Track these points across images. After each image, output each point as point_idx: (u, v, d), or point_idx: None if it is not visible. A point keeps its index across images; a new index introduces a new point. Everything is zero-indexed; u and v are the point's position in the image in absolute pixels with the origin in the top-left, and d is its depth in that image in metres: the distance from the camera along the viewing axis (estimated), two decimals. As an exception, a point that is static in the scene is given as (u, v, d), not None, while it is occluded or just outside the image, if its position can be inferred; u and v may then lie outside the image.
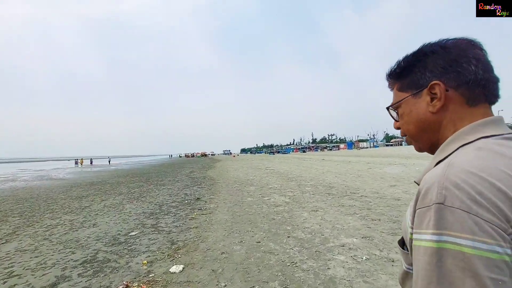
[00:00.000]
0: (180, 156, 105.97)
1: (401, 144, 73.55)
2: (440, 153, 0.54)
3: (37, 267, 3.51)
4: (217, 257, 3.48)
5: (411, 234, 0.48)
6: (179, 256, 3.58)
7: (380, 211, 5.14)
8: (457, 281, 0.39)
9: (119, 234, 4.73)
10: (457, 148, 0.51)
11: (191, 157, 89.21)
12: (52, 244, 4.36)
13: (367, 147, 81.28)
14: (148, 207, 7.02)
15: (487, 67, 0.53)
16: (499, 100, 0.56)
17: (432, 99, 0.55)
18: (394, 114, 0.65)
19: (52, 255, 3.90)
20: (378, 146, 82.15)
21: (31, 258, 3.82)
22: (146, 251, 3.82)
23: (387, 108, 0.66)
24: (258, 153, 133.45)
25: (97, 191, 10.70)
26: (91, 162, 49.70)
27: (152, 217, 5.88)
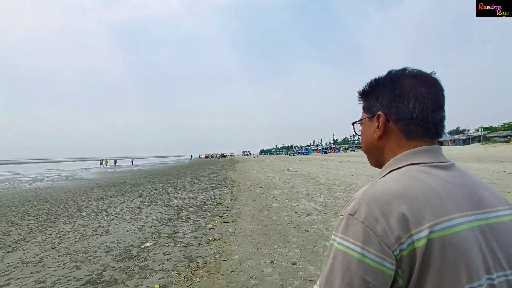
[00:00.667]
0: (200, 157, 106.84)
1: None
2: (379, 175, 0.62)
3: (35, 286, 3.01)
4: (244, 284, 2.79)
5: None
6: (198, 279, 2.93)
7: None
8: (338, 273, 0.48)
9: (131, 245, 4.18)
10: (389, 172, 0.59)
11: (211, 158, 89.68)
12: (59, 256, 3.88)
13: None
14: (165, 212, 6.50)
15: (428, 107, 0.57)
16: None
17: (378, 126, 0.62)
18: (358, 129, 0.72)
19: (55, 270, 3.39)
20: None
21: (31, 273, 3.33)
22: (159, 270, 3.21)
23: (352, 124, 0.73)
24: (277, 153, 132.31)
25: (116, 193, 10.44)
26: (115, 163, 51.10)
27: (169, 224, 5.32)
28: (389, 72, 0.62)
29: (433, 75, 0.59)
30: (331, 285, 0.48)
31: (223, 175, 16.97)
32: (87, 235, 4.82)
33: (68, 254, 3.91)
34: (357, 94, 0.69)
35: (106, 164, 46.74)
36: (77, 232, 5.07)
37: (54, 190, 12.19)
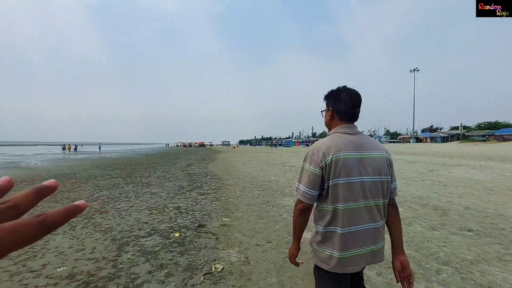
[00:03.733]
0: (177, 146, 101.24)
1: (408, 142, 69.80)
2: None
3: None
4: None
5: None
6: None
7: None
8: (302, 175, 1.28)
9: None
10: (327, 135, 1.37)
11: (188, 146, 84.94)
12: None
13: (373, 143, 76.11)
14: (93, 250, 3.29)
15: (348, 107, 1.31)
16: None
17: (329, 115, 1.40)
18: (323, 114, 1.47)
19: None
20: (382, 143, 78.08)
21: None
22: None
23: (321, 111, 1.48)
24: (258, 145, 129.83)
25: (44, 193, 6.95)
26: (75, 149, 45.34)
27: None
28: (337, 88, 1.37)
29: (355, 90, 1.34)
30: (301, 180, 1.26)
31: (203, 168, 13.73)
32: None
33: None
34: (323, 97, 1.44)
35: (69, 150, 41.61)
36: None
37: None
